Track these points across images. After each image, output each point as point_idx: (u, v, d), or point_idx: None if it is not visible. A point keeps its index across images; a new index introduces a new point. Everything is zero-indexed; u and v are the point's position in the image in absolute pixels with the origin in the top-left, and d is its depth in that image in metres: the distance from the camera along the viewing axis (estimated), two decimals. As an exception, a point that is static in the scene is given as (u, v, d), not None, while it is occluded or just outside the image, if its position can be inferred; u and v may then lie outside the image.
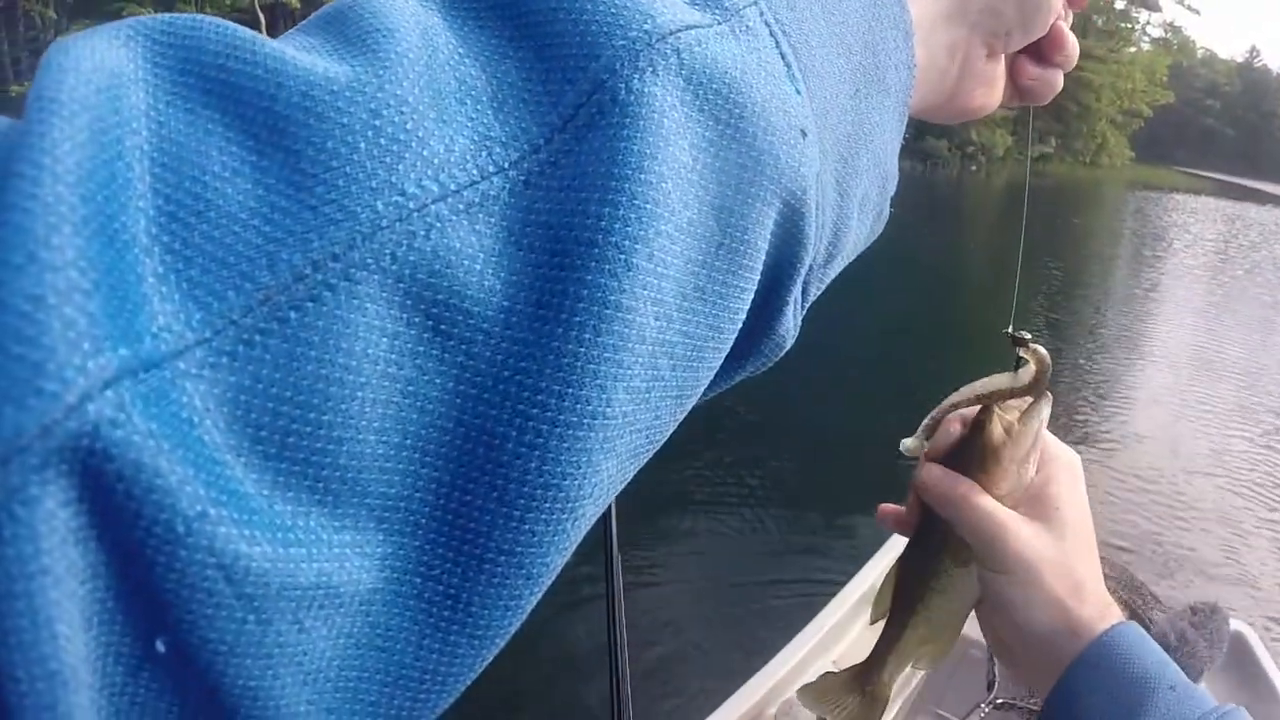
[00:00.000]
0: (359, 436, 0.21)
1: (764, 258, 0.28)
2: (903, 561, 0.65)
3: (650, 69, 0.24)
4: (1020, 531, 0.57)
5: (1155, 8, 53.89)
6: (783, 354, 0.34)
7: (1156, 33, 58.20)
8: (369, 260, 0.20)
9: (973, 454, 0.60)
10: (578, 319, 0.23)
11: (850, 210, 0.33)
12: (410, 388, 0.22)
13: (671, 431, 0.29)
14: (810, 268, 0.31)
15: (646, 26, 0.24)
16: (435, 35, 0.24)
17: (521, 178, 0.23)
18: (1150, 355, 10.72)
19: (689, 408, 0.29)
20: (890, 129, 0.34)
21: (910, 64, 0.35)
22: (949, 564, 0.61)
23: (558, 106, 0.23)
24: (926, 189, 31.83)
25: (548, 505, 0.24)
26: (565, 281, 0.23)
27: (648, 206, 0.23)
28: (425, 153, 0.22)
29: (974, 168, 37.82)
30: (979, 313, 13.41)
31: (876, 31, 0.32)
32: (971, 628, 0.63)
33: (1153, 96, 48.92)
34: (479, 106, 0.23)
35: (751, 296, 0.29)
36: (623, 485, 0.28)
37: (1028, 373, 0.59)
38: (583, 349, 0.23)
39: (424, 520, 0.23)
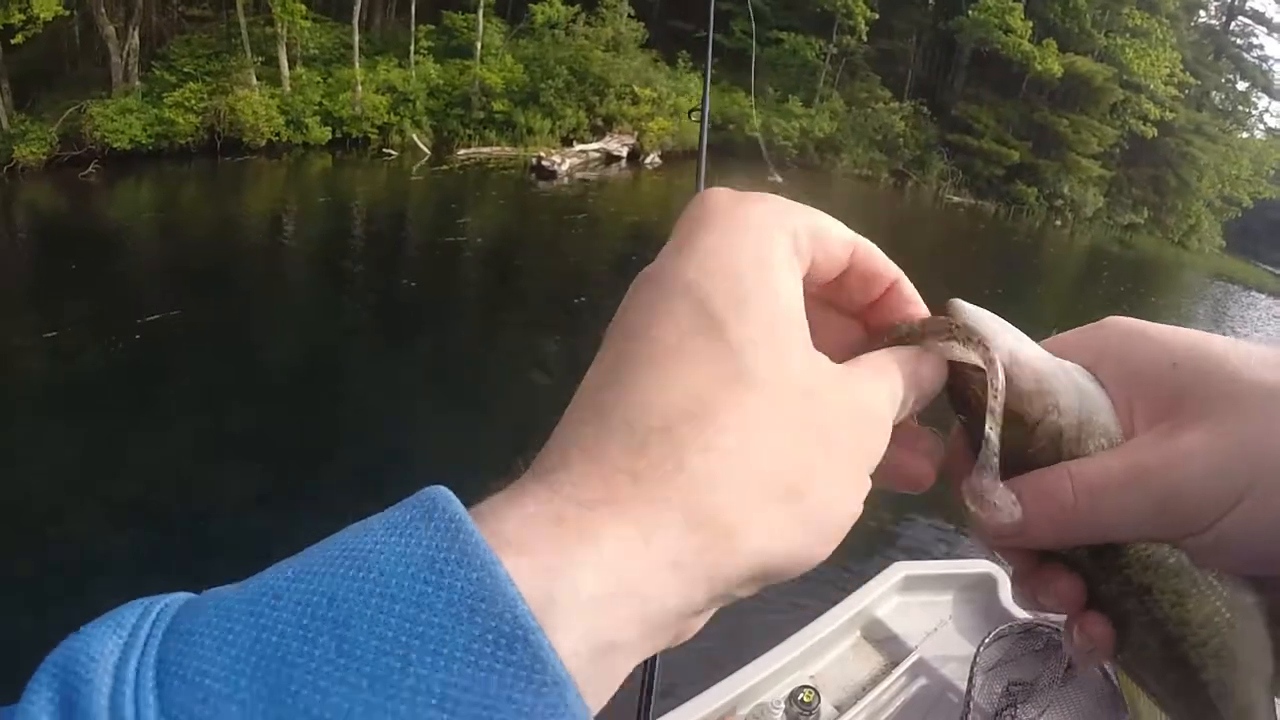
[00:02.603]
0: None
1: None
2: (1130, 658, 0.41)
3: None
4: (1173, 451, 0.36)
5: (1278, 96, 52.23)
6: None
7: (1274, 123, 56.52)
8: None
9: (979, 410, 0.38)
10: None
11: None
12: None
13: None
14: None
15: None
16: None
17: None
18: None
19: None
20: None
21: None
22: (1200, 584, 0.38)
23: None
24: (1003, 235, 31.24)
25: None
26: None
27: None
28: None
29: (1059, 222, 36.98)
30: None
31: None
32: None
33: (1256, 188, 47.36)
34: None
35: None
36: None
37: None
38: None
39: None
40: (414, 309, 11.96)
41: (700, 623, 0.32)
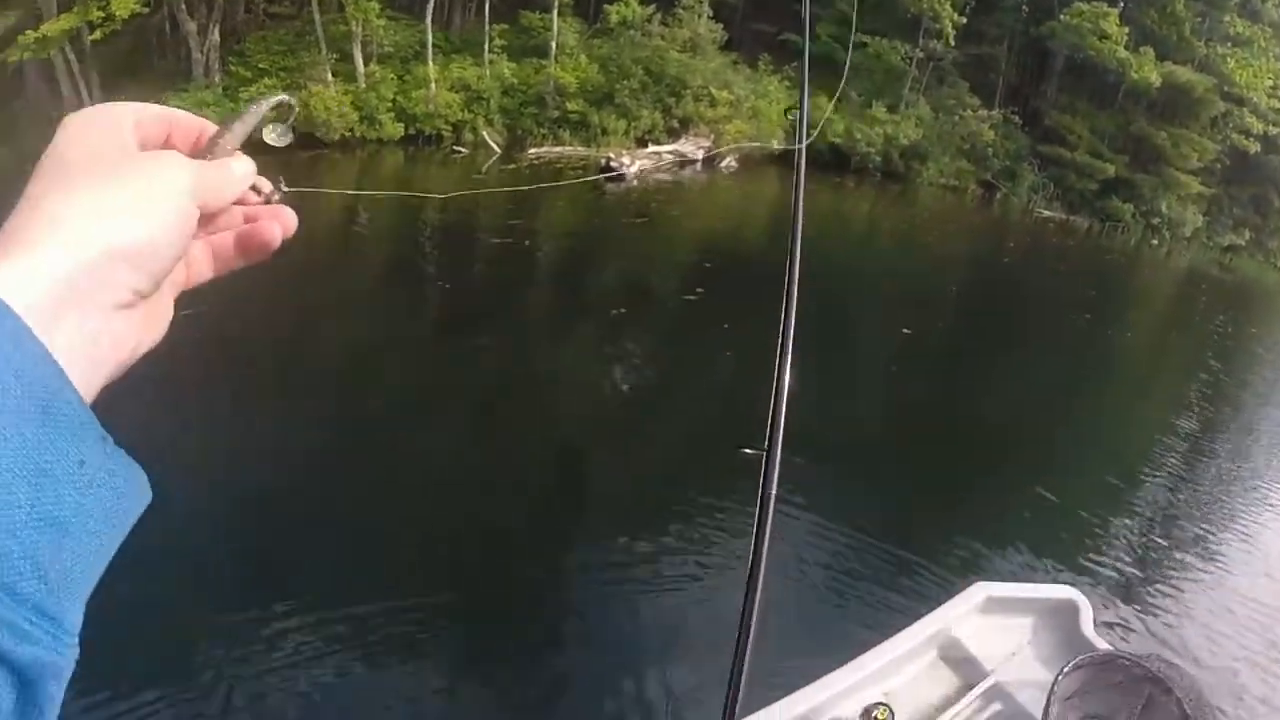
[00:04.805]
0: None
1: None
2: None
3: None
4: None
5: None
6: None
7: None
8: None
9: None
10: None
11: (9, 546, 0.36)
12: None
13: None
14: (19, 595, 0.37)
15: None
16: None
17: None
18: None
19: None
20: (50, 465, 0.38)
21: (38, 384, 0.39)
22: None
23: None
24: (1096, 253, 29.77)
25: None
26: None
27: None
28: None
29: (1155, 241, 35.21)
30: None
31: None
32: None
33: (1370, 208, 44.65)
34: None
35: None
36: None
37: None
38: None
39: None
40: (445, 311, 11.73)
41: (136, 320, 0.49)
